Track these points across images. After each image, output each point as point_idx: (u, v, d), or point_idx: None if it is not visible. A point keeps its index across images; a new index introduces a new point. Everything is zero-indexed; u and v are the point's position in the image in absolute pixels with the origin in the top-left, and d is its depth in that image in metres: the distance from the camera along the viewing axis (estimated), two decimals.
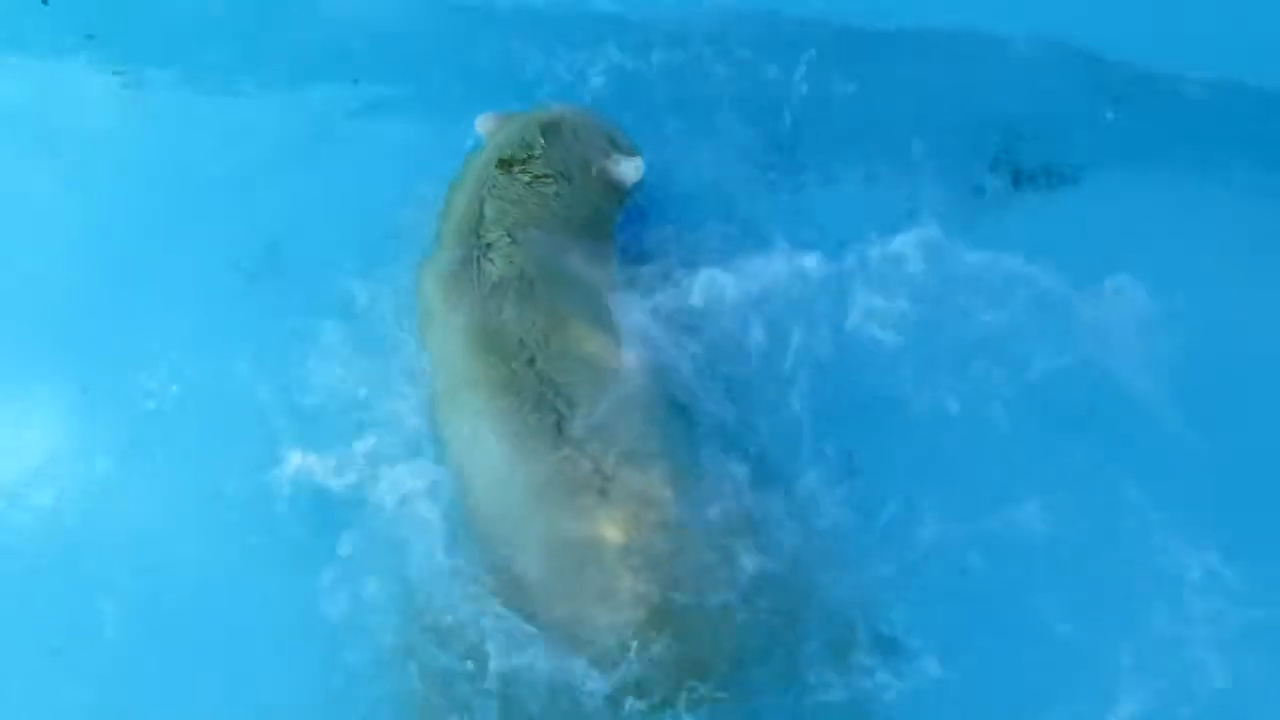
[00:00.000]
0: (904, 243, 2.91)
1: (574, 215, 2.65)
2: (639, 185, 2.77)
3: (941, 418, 2.74)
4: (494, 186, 2.60)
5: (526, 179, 2.61)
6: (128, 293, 2.97)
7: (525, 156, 2.63)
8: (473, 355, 2.40)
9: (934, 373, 2.79)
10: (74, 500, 2.73)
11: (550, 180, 2.63)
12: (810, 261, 2.84)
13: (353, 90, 3.25)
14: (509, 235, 2.52)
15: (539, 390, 2.33)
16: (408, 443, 2.57)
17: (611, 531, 2.25)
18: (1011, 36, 3.24)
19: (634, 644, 2.22)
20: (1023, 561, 2.57)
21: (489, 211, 2.56)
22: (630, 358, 2.49)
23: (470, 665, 2.28)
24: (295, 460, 2.62)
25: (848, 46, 3.26)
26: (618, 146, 2.78)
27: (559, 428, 2.30)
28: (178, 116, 3.25)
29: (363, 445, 2.60)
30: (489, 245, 2.51)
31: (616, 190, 2.74)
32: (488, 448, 2.33)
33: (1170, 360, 2.78)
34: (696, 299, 2.73)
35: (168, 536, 2.68)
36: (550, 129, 2.69)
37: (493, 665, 2.27)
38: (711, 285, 2.75)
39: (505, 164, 2.63)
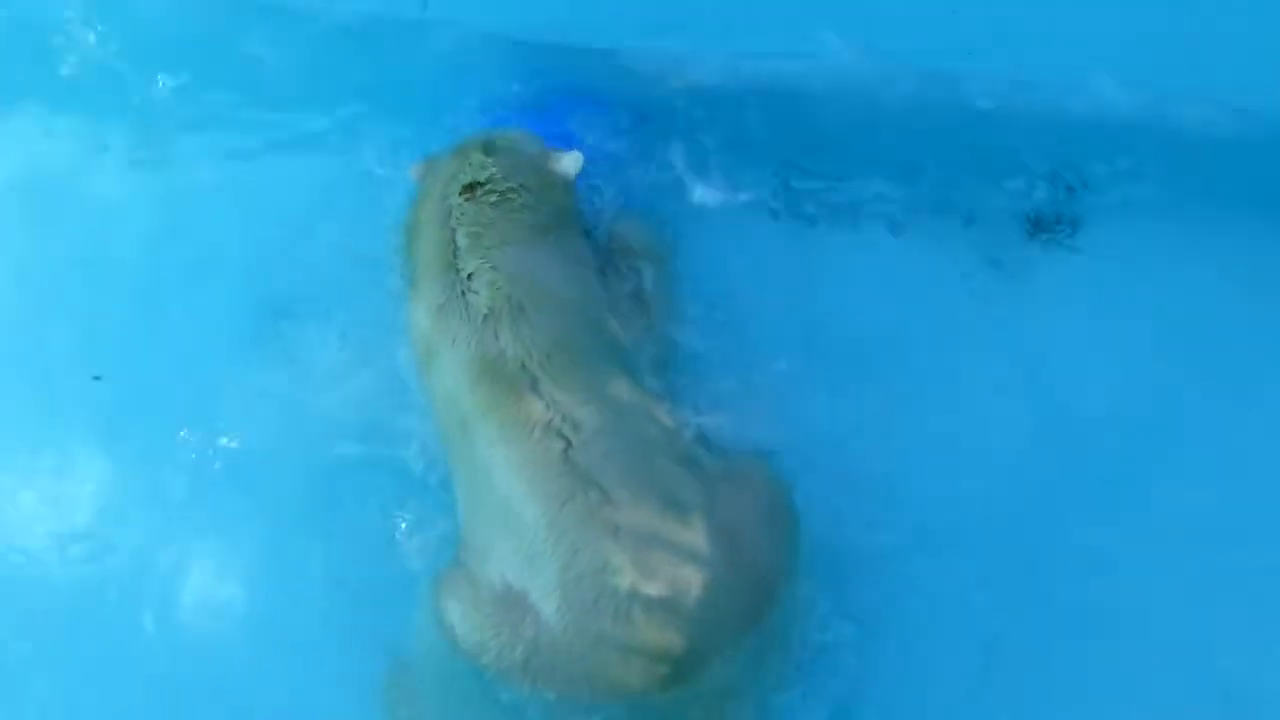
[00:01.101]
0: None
1: (542, 221, 2.66)
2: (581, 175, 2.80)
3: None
4: (461, 215, 2.60)
5: (492, 199, 2.62)
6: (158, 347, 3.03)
7: (485, 177, 2.65)
8: (476, 388, 2.40)
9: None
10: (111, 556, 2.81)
11: (514, 194, 2.64)
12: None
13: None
14: (488, 261, 2.53)
15: (546, 416, 2.32)
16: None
17: (625, 570, 2.21)
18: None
19: (645, 684, 2.22)
20: None
21: (462, 241, 2.56)
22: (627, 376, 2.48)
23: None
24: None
25: None
26: (549, 148, 2.82)
27: (566, 455, 2.28)
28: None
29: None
30: (470, 275, 2.51)
31: (566, 185, 2.77)
32: (497, 481, 2.32)
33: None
34: None
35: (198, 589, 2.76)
36: (490, 147, 2.71)
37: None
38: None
39: (469, 189, 2.63)
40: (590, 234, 2.89)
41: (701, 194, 3.19)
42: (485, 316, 2.46)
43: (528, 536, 2.26)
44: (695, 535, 2.29)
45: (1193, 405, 2.92)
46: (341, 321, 3.00)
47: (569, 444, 2.30)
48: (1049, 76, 3.12)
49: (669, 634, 2.22)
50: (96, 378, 2.96)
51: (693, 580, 2.24)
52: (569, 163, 2.77)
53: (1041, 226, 3.19)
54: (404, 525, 2.74)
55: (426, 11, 3.20)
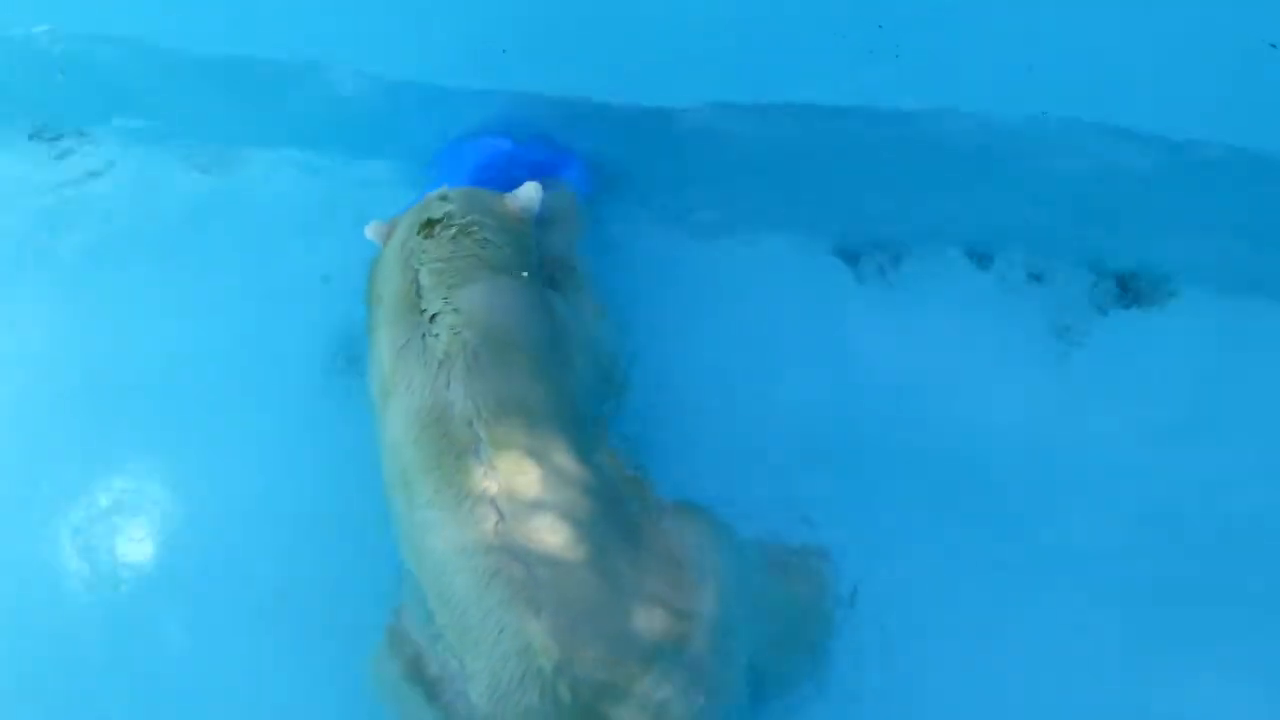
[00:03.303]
0: None
1: (502, 258, 2.60)
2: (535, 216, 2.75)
3: None
4: (423, 254, 2.55)
5: (451, 233, 2.57)
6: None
7: (442, 214, 2.60)
8: (421, 439, 2.34)
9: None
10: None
11: (474, 228, 2.59)
12: None
13: None
14: (450, 302, 2.47)
15: (482, 485, 2.25)
16: None
17: (549, 650, 2.15)
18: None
19: None
20: None
21: (425, 279, 2.51)
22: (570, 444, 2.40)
23: None
24: None
25: None
26: (501, 194, 2.77)
27: (497, 530, 2.22)
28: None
29: None
30: (432, 317, 2.46)
31: (524, 219, 2.72)
32: (431, 545, 2.28)
33: None
34: None
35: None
36: (445, 195, 2.67)
37: None
38: None
39: (427, 226, 2.59)
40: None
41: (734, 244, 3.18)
42: (440, 362, 2.40)
43: (459, 608, 2.23)
44: (626, 609, 2.25)
45: None
46: None
47: (501, 518, 2.24)
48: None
49: (599, 709, 2.18)
50: None
51: (622, 656, 2.21)
52: (526, 196, 2.73)
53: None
54: None
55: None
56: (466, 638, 2.21)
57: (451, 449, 2.30)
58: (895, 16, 2.95)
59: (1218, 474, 2.85)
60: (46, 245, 3.26)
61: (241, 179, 3.34)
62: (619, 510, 2.41)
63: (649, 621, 2.24)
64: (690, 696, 2.25)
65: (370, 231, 2.74)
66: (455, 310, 2.46)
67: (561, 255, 2.90)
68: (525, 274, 2.63)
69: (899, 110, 3.04)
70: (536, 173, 2.99)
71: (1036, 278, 3.13)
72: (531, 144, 3.14)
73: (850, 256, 3.19)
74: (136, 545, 2.88)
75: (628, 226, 3.21)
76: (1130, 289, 3.10)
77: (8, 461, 2.98)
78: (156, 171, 3.35)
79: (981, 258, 3.16)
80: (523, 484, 2.27)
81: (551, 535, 2.24)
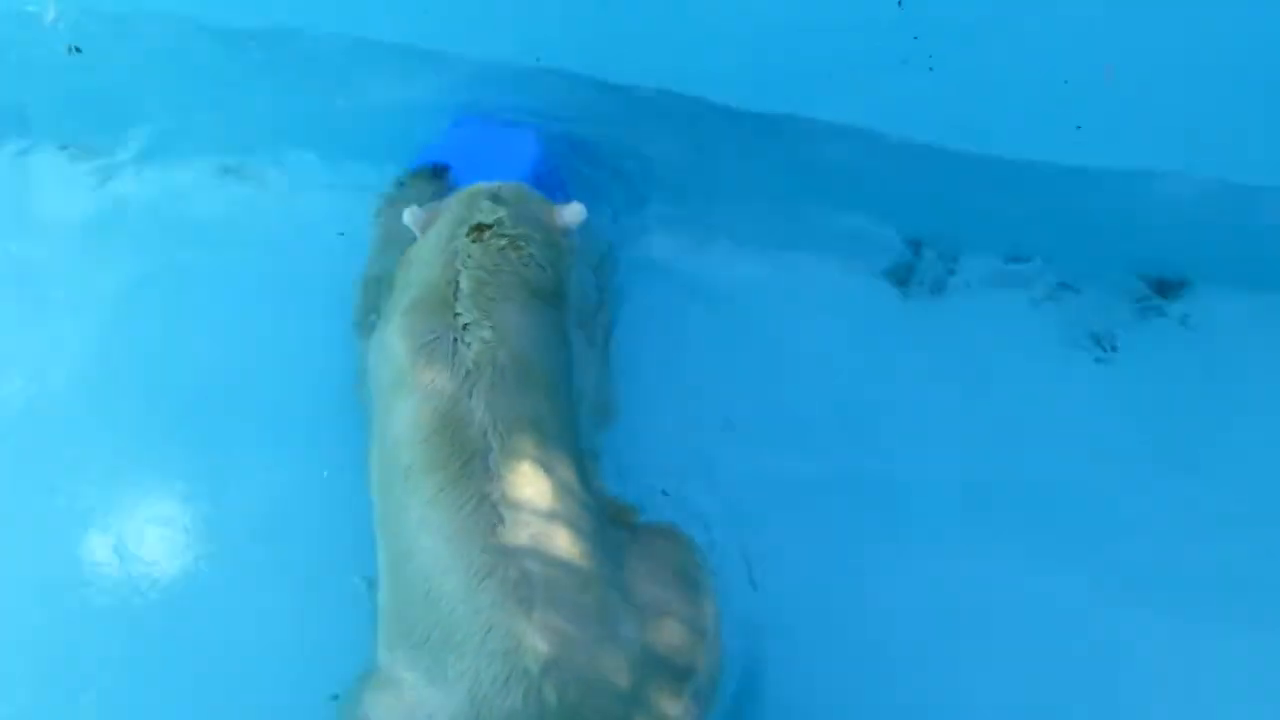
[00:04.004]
0: None
1: (542, 284, 2.60)
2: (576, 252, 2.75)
3: None
4: (469, 257, 2.54)
5: (500, 244, 2.56)
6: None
7: (494, 220, 2.59)
8: (431, 439, 2.33)
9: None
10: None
11: (522, 242, 2.58)
12: None
13: None
14: (487, 316, 2.46)
15: (486, 489, 2.25)
16: None
17: (537, 651, 2.14)
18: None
19: None
20: None
21: (465, 284, 2.50)
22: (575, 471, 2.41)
23: None
24: None
25: None
26: (551, 200, 2.77)
27: (495, 531, 2.21)
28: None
29: None
30: (466, 326, 2.44)
31: (567, 239, 2.71)
32: (424, 543, 2.26)
33: None
34: None
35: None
36: (498, 196, 2.65)
37: None
38: None
39: (478, 230, 2.57)
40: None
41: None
42: (469, 372, 2.39)
43: (445, 608, 2.21)
44: (613, 616, 2.26)
45: None
46: None
47: (501, 520, 2.24)
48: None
49: (583, 711, 2.17)
50: None
51: (608, 661, 2.21)
52: (571, 214, 2.73)
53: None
54: None
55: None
56: (452, 639, 2.19)
57: (461, 453, 2.29)
58: (930, 28, 2.92)
59: (1253, 483, 2.82)
60: (78, 254, 3.26)
61: (271, 187, 3.34)
62: (612, 531, 2.43)
63: (645, 633, 2.25)
64: (694, 710, 2.27)
65: (409, 217, 2.71)
66: (491, 326, 2.45)
67: (589, 291, 2.92)
68: (556, 299, 2.65)
69: (935, 123, 3.02)
70: (486, 151, 3.05)
71: (1071, 288, 3.10)
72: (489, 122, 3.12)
73: (889, 270, 3.16)
74: (164, 554, 2.85)
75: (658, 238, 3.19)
76: (1164, 298, 3.07)
77: (41, 470, 2.97)
78: (184, 178, 3.35)
79: (1018, 269, 3.13)
80: (526, 493, 2.27)
81: (549, 542, 2.24)
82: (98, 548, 2.85)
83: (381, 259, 2.93)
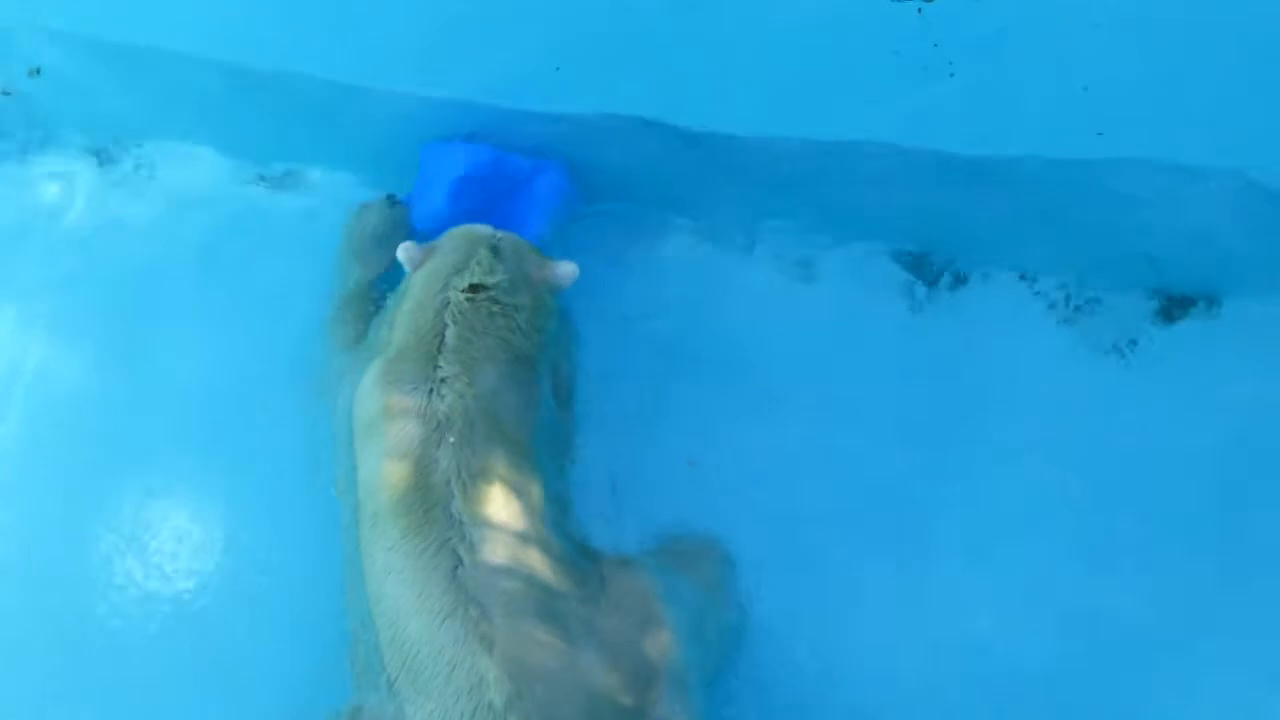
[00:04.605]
0: None
1: (525, 345, 2.63)
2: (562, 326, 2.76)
3: None
4: (461, 313, 2.57)
5: (493, 309, 2.59)
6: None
7: (492, 283, 2.60)
8: (401, 487, 2.39)
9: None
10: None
11: (512, 311, 2.61)
12: None
13: None
14: (465, 371, 2.50)
15: (446, 534, 2.32)
16: None
17: (500, 685, 2.21)
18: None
19: None
20: None
21: (451, 339, 2.54)
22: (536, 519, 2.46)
23: None
24: None
25: None
26: (544, 256, 2.76)
27: (454, 573, 2.29)
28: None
29: None
30: (444, 379, 2.49)
31: (554, 299, 2.72)
32: (389, 589, 2.34)
33: None
34: None
35: None
36: (497, 250, 2.66)
37: None
38: None
39: (474, 289, 2.60)
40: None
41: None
42: (440, 422, 2.45)
43: (410, 650, 2.29)
44: (573, 650, 2.30)
45: None
46: None
47: (460, 563, 2.31)
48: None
49: None
50: None
51: (570, 691, 2.25)
52: (564, 272, 2.73)
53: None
54: None
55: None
56: (418, 680, 2.26)
57: (425, 500, 2.37)
58: (951, 36, 2.89)
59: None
60: (100, 258, 3.33)
61: (302, 198, 3.39)
62: (583, 564, 2.47)
63: (595, 662, 2.30)
64: None
65: (402, 254, 2.74)
66: (468, 383, 2.50)
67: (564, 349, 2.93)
68: (536, 363, 2.66)
69: (953, 133, 2.99)
70: (518, 180, 3.05)
71: (1091, 300, 3.09)
72: (511, 152, 3.11)
73: (906, 280, 3.17)
74: (182, 557, 2.93)
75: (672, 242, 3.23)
76: (1182, 309, 3.06)
77: (54, 474, 3.05)
78: (208, 187, 3.40)
79: (1035, 280, 3.13)
80: (487, 537, 2.33)
81: (509, 582, 2.31)
82: (105, 547, 2.93)
83: (348, 279, 3.01)
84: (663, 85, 3.03)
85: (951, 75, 2.94)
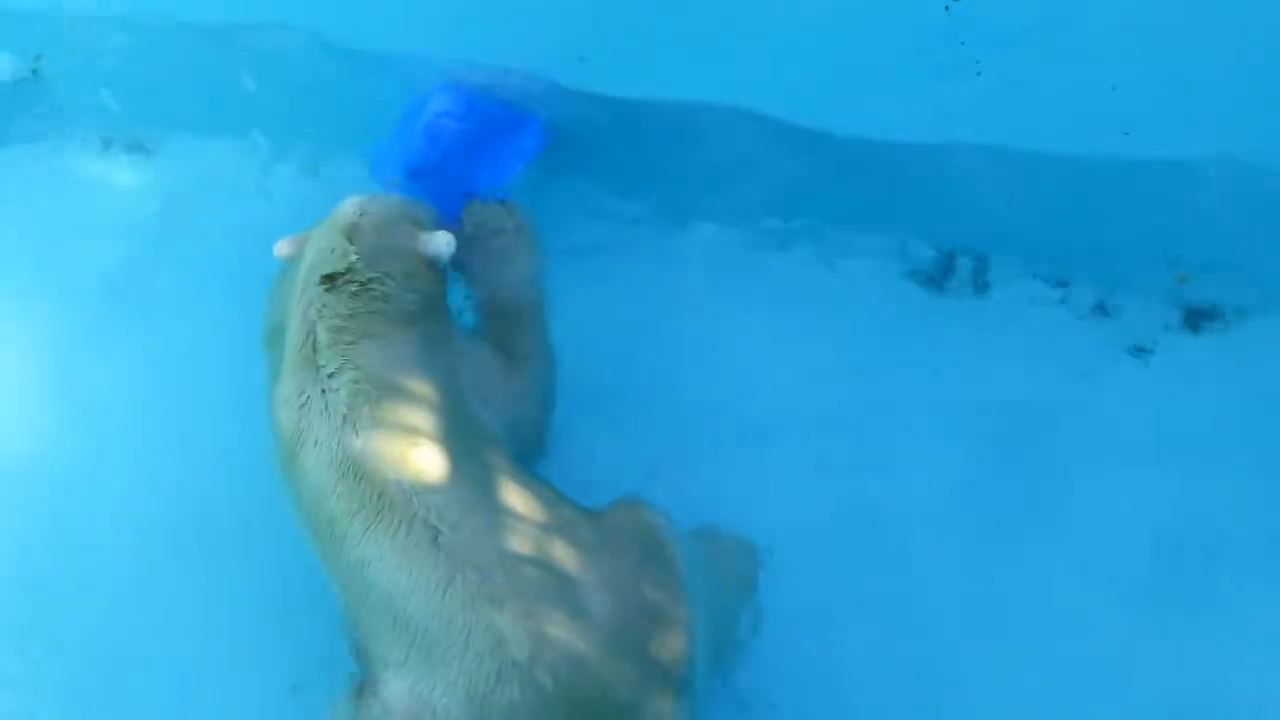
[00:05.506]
0: None
1: (406, 310, 2.54)
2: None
3: None
4: (323, 307, 2.49)
5: (352, 289, 2.50)
6: None
7: (345, 267, 2.51)
8: (339, 488, 2.36)
9: None
10: None
11: (375, 283, 2.52)
12: None
13: None
14: (349, 360, 2.45)
15: (411, 510, 2.29)
16: None
17: (520, 639, 2.20)
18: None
19: None
20: None
21: (323, 336, 2.47)
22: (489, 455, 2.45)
23: None
24: None
25: None
26: (421, 224, 2.66)
27: (436, 543, 2.26)
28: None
29: None
30: (330, 375, 2.44)
31: (434, 267, 2.62)
32: (374, 579, 2.31)
33: None
34: None
35: None
36: (354, 231, 2.56)
37: None
38: None
39: (328, 279, 2.51)
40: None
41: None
42: (345, 416, 2.40)
43: (418, 630, 2.26)
44: (581, 589, 2.30)
45: None
46: None
47: (437, 532, 2.28)
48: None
49: (580, 687, 2.22)
50: None
51: (587, 634, 2.25)
52: (439, 245, 2.62)
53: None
54: None
55: None
56: (433, 654, 2.24)
57: (372, 489, 2.33)
58: (978, 33, 2.88)
59: None
60: (126, 252, 3.30)
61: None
62: (563, 510, 2.45)
63: (605, 598, 2.29)
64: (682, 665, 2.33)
65: (279, 250, 2.66)
66: (355, 367, 2.44)
67: (509, 290, 2.88)
68: (429, 320, 2.59)
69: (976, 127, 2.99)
70: (497, 126, 3.01)
71: (1113, 303, 3.08)
72: (491, 102, 3.05)
73: (926, 278, 3.16)
74: (197, 555, 2.91)
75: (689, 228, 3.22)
76: (1204, 315, 3.04)
77: (73, 465, 3.03)
78: (236, 176, 3.38)
79: (1058, 282, 3.11)
80: (448, 500, 2.30)
81: (494, 536, 2.29)
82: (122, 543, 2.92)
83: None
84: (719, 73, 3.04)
85: (978, 74, 2.94)
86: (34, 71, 3.39)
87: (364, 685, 2.41)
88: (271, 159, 3.34)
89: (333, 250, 2.54)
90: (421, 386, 2.48)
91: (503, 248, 2.93)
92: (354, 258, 2.52)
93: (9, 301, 3.23)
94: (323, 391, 2.43)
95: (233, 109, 3.35)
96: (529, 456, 2.70)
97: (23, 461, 3.03)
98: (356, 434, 2.37)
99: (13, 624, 2.85)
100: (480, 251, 2.91)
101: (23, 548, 2.93)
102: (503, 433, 2.58)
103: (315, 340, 2.47)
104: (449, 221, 2.88)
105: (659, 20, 3.00)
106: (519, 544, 2.31)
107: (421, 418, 2.42)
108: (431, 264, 2.62)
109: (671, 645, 2.34)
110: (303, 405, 2.44)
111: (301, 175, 3.33)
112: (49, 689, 2.77)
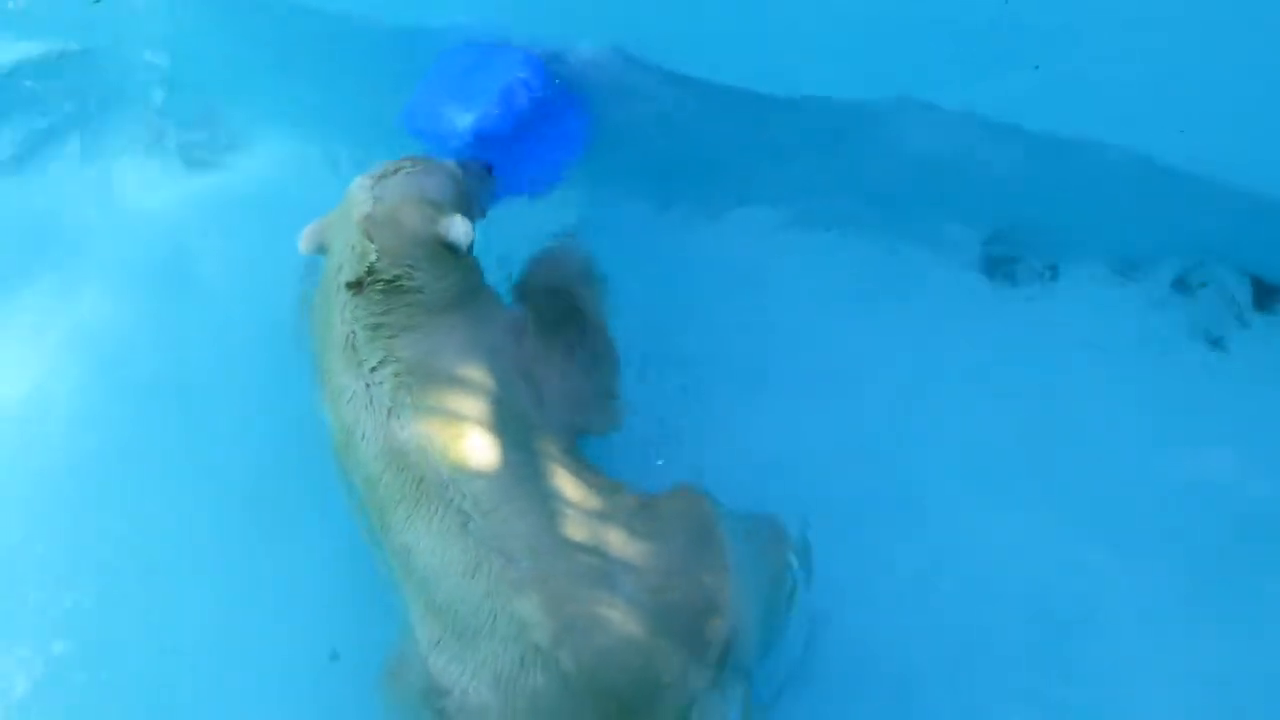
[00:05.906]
0: None
1: (441, 298, 2.54)
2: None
3: None
4: (356, 309, 2.51)
5: (379, 288, 2.50)
6: None
7: (368, 269, 2.50)
8: (385, 477, 2.41)
9: None
10: None
11: (403, 278, 2.51)
12: None
13: None
14: (389, 353, 2.47)
15: (446, 497, 2.33)
16: None
17: (543, 624, 2.22)
18: None
19: None
20: None
21: (361, 335, 2.50)
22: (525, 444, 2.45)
23: None
24: None
25: None
26: (437, 205, 2.60)
27: (466, 529, 2.30)
28: None
29: None
30: (373, 369, 2.47)
31: (459, 251, 2.57)
32: (414, 563, 2.36)
33: None
34: None
35: None
36: (371, 225, 2.51)
37: None
38: None
39: (355, 285, 2.51)
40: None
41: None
42: (390, 409, 2.44)
43: (450, 614, 2.31)
44: (619, 575, 2.31)
45: None
46: None
47: (468, 518, 2.31)
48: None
49: (607, 673, 2.23)
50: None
51: (615, 620, 2.25)
52: (458, 232, 2.57)
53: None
54: None
55: None
56: (464, 636, 2.28)
57: (413, 478, 2.37)
58: (1036, 25, 2.89)
59: None
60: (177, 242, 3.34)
61: None
62: (603, 497, 2.45)
63: (638, 585, 2.29)
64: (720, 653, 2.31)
65: (303, 245, 2.64)
66: (396, 359, 2.47)
67: (560, 271, 2.90)
68: (465, 306, 2.58)
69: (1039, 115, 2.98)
70: (557, 106, 2.99)
71: (1185, 288, 3.06)
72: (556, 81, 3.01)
73: (991, 267, 3.15)
74: (206, 550, 2.92)
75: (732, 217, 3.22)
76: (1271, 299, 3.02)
77: (120, 441, 3.05)
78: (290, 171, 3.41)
79: (1128, 268, 3.09)
80: (483, 487, 2.33)
81: (526, 522, 2.31)
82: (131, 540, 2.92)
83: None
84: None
85: (1036, 68, 2.93)
86: (83, 57, 3.46)
87: (402, 658, 2.43)
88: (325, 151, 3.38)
89: (353, 249, 2.52)
90: (463, 374, 2.49)
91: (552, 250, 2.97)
92: (374, 257, 2.50)
93: (58, 287, 3.28)
94: (367, 386, 2.47)
95: (287, 98, 3.42)
96: (599, 429, 2.72)
97: (70, 440, 3.06)
98: (401, 425, 2.41)
99: (61, 595, 2.88)
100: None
101: (73, 525, 2.95)
102: (557, 411, 2.59)
103: (354, 340, 2.50)
104: (503, 190, 2.89)
105: (726, 8, 3.04)
106: (554, 529, 2.33)
107: (464, 405, 2.45)
108: (453, 249, 2.57)
109: (715, 629, 2.34)
110: (350, 400, 2.48)
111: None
112: (93, 656, 2.81)
